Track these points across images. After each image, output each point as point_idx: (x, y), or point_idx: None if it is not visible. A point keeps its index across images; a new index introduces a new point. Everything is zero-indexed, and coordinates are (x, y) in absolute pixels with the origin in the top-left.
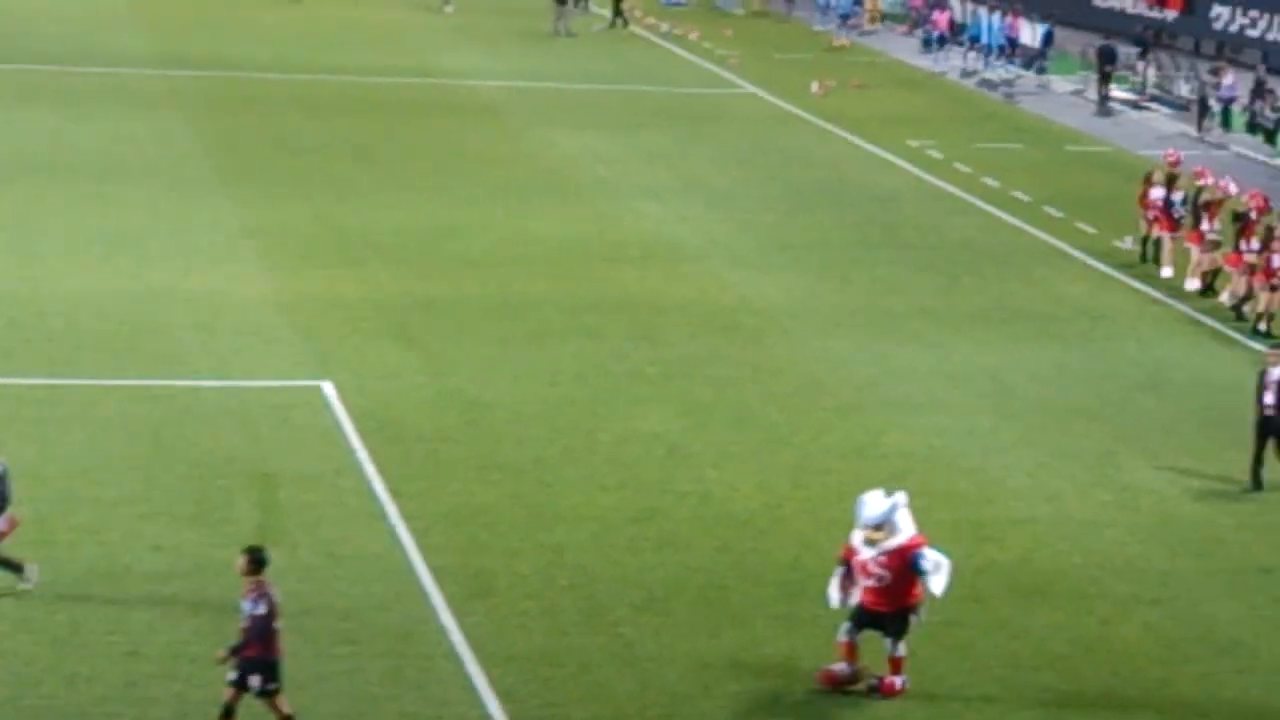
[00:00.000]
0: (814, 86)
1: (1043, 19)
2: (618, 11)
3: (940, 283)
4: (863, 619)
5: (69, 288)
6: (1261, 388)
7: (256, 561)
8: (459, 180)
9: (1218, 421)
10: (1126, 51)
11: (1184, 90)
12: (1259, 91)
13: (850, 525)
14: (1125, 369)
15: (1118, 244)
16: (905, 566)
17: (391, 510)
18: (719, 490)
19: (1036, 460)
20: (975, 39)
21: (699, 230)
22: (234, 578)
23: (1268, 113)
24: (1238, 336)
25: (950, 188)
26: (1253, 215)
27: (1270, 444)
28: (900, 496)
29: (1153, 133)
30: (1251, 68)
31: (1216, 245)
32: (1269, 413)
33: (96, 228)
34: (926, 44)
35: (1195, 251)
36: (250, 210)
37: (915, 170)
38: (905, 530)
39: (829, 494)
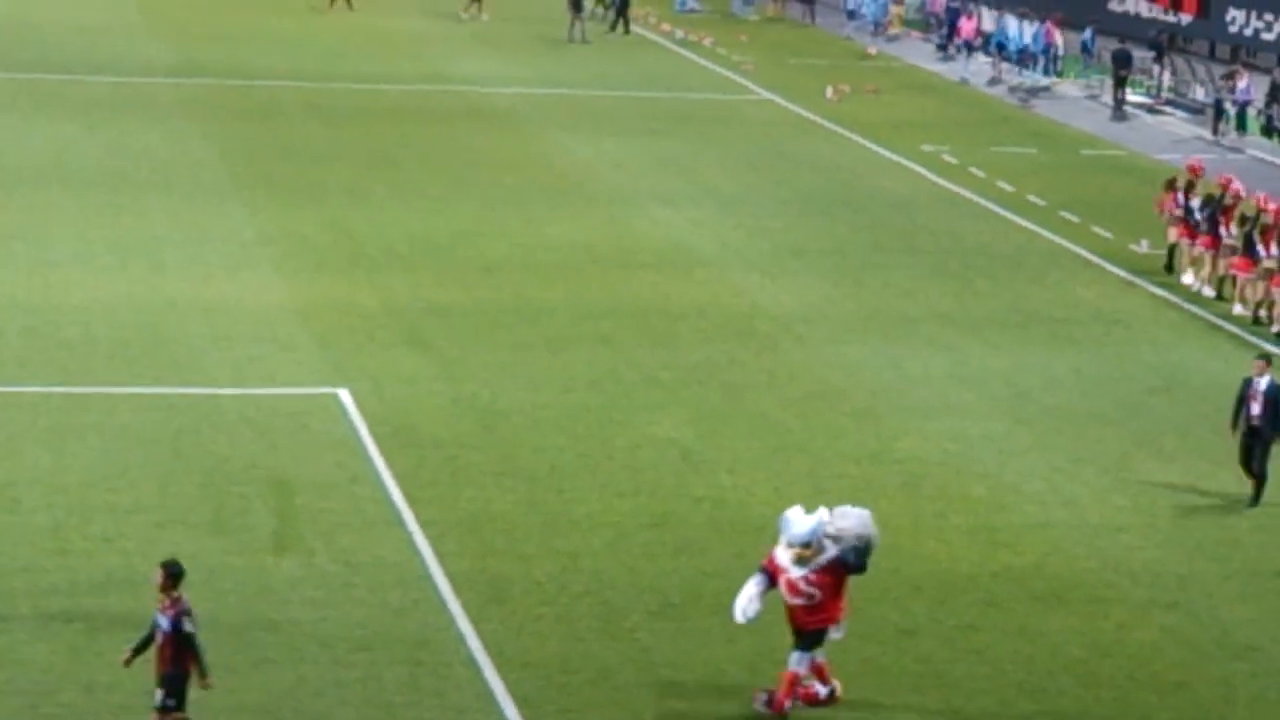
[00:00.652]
0: (828, 92)
1: (1042, 21)
2: (621, 16)
3: (955, 287)
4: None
5: (85, 297)
6: (1247, 398)
7: (173, 576)
8: (474, 187)
9: None
10: (1141, 55)
11: (1199, 94)
12: (1275, 95)
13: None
14: (1141, 373)
15: (1133, 248)
16: (838, 579)
17: (408, 517)
18: (734, 496)
19: (1052, 465)
20: (1001, 46)
21: (713, 236)
22: (248, 587)
23: None
24: (1255, 340)
25: (965, 192)
26: (1269, 220)
27: (1255, 454)
28: (824, 512)
29: (1168, 137)
30: (1267, 71)
31: (1234, 251)
32: (1255, 423)
33: (112, 237)
34: (942, 49)
35: (1209, 257)
36: (266, 218)
37: (929, 175)
38: (830, 548)
39: (844, 499)
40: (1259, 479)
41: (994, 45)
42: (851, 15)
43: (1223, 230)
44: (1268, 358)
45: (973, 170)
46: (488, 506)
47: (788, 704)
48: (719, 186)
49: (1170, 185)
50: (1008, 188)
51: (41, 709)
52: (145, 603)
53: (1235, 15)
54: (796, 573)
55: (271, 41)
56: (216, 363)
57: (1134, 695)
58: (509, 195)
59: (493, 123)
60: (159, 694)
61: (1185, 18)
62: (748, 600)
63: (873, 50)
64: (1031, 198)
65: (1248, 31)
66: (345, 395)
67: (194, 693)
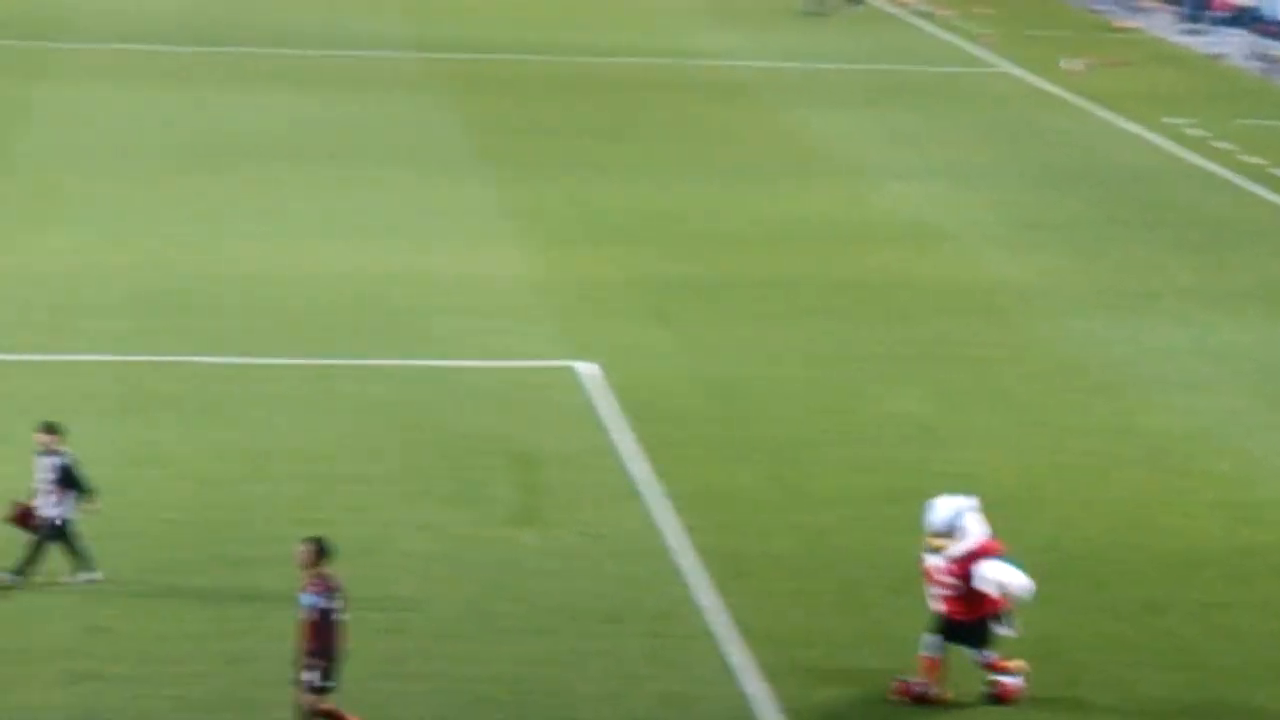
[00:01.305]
0: (1069, 64)
1: None
2: None
3: (1197, 261)
4: (944, 629)
5: (330, 270)
6: None
7: (319, 552)
8: (711, 160)
9: None
10: None
11: None
12: None
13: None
14: None
15: None
16: (969, 575)
17: (648, 490)
18: (975, 471)
19: None
20: (1259, 19)
21: (951, 210)
22: (491, 559)
23: None
24: None
25: (1209, 165)
26: None
27: None
28: (968, 500)
29: None
30: None
31: None
32: None
33: (355, 210)
34: (1193, 20)
35: None
36: (506, 191)
37: (1172, 148)
38: (974, 535)
39: (1088, 474)
40: None
41: (1251, 18)
42: None
43: None
44: None
45: (1218, 144)
46: (728, 480)
47: (1011, 682)
48: (957, 160)
49: None
50: (1255, 161)
51: (288, 675)
52: (391, 572)
53: None
54: (932, 560)
55: (510, 15)
56: (458, 335)
57: None
58: (746, 169)
59: (729, 96)
60: (308, 673)
61: None
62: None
63: (1119, 23)
64: (1278, 170)
65: None
66: (585, 368)
67: (438, 664)
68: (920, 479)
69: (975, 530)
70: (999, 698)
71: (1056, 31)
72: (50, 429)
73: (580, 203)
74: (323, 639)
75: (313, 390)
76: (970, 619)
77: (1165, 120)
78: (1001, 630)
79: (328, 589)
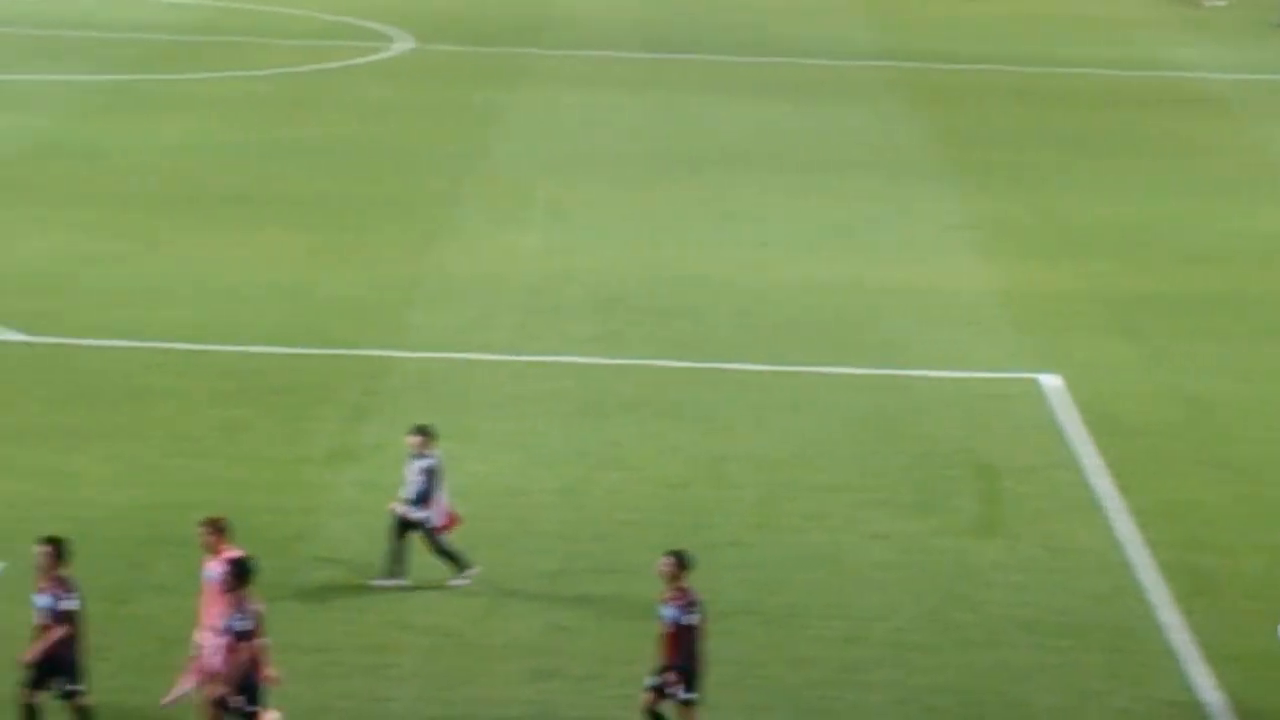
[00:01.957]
0: None
1: None
2: None
3: None
4: None
5: (794, 277)
6: None
7: (680, 565)
8: (1181, 173)
9: None
10: None
11: None
12: None
13: None
14: None
15: None
16: None
17: (1110, 504)
18: None
19: None
20: None
21: None
22: (950, 568)
23: None
24: None
25: None
26: None
27: None
28: None
29: None
30: None
31: None
32: None
33: (820, 218)
34: None
35: None
36: (969, 201)
37: None
38: None
39: None
40: None
41: None
42: None
43: None
44: None
45: None
46: (1193, 496)
47: None
48: None
49: None
50: None
51: (747, 680)
52: (850, 581)
53: None
54: None
55: (974, 26)
56: (918, 345)
57: None
58: (1218, 182)
59: (1203, 108)
60: (662, 678)
61: None
62: None
63: None
64: None
65: None
66: (1048, 380)
67: (894, 673)
68: None
69: None
70: None
71: None
72: (422, 432)
73: (1043, 214)
74: (684, 651)
75: (773, 396)
76: None
77: None
78: None
79: (688, 602)
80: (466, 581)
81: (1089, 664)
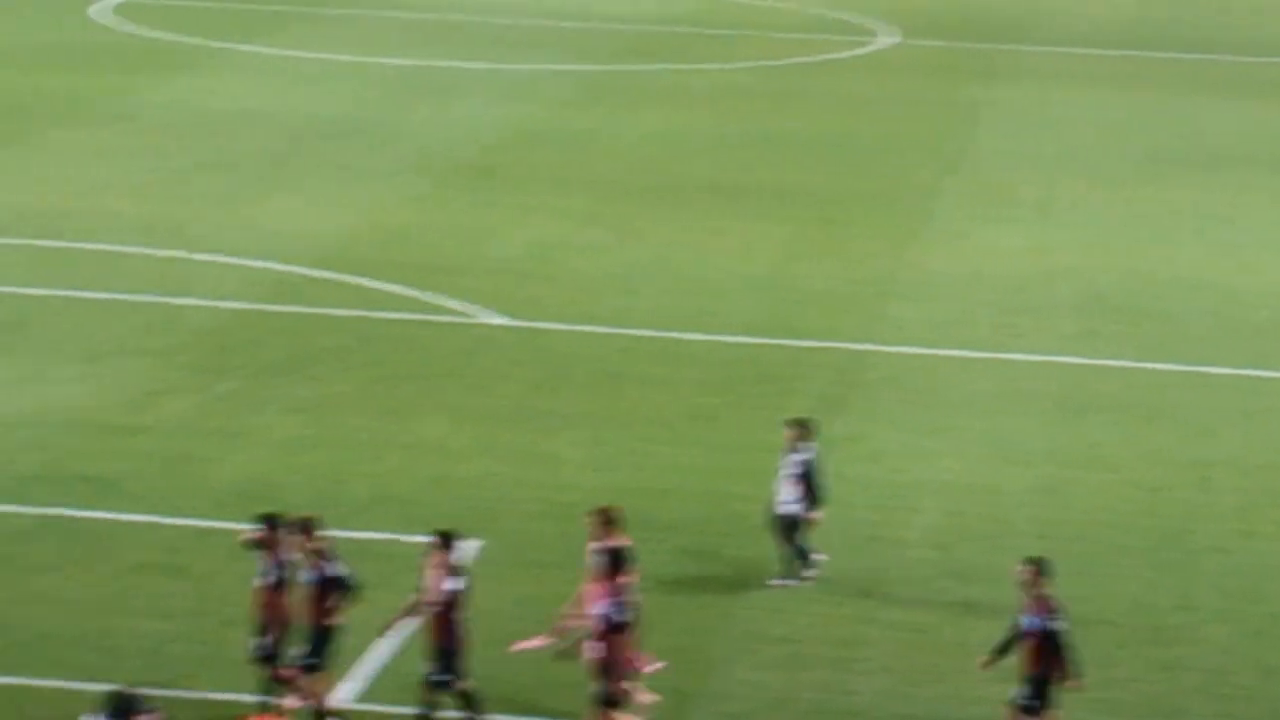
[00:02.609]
0: None
1: None
2: None
3: None
4: None
5: (1274, 280)
6: None
7: (1039, 573)
8: None
9: None
10: None
11: None
12: None
13: None
14: None
15: None
16: None
17: None
18: None
19: None
20: None
21: None
22: None
23: None
24: None
25: None
26: None
27: None
28: None
29: None
30: None
31: None
32: None
33: None
34: None
35: None
36: None
37: None
38: None
39: None
40: None
41: None
42: None
43: None
44: None
45: None
46: None
47: None
48: None
49: None
50: None
51: (1215, 689)
52: None
53: None
54: None
55: None
56: None
57: None
58: None
59: None
60: (1022, 691)
61: None
62: None
63: None
64: None
65: None
66: None
67: None
68: None
69: None
70: None
71: None
72: (798, 424)
73: None
74: (1047, 662)
75: (1256, 400)
76: None
77: None
78: None
79: (1049, 610)
80: (794, 582)
81: None
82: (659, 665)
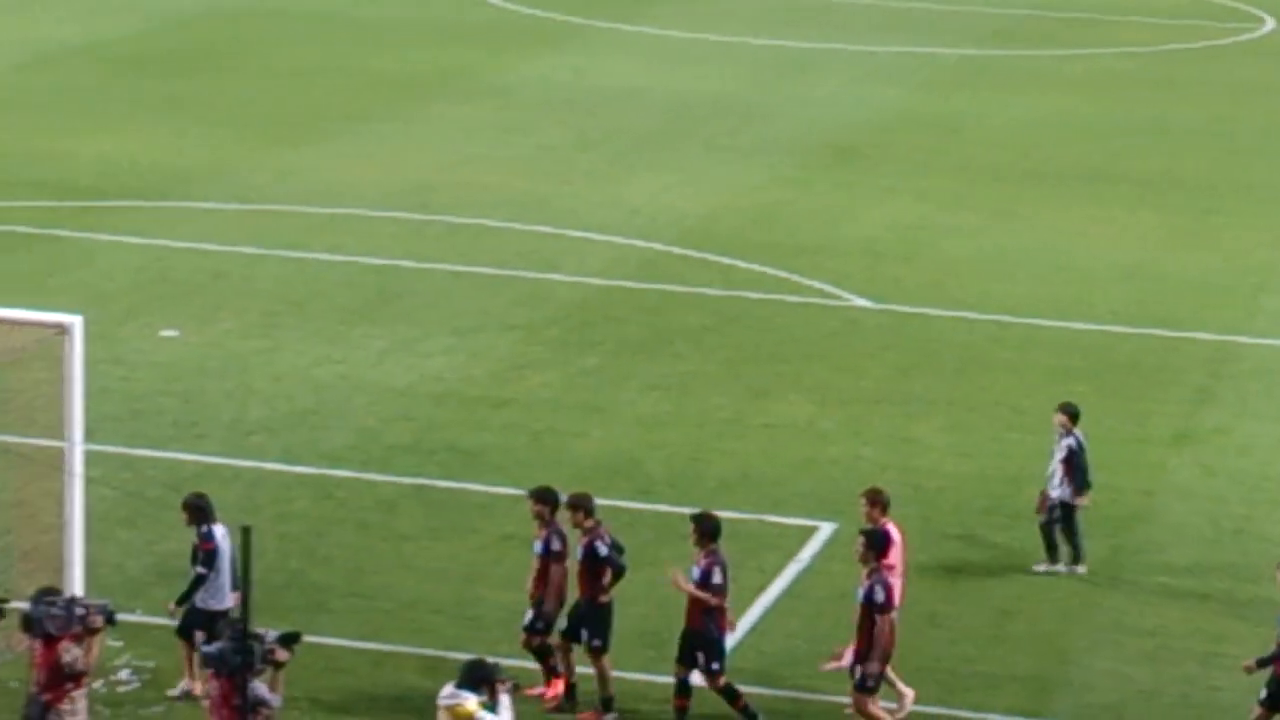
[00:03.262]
0: None
1: None
2: None
3: None
4: None
5: None
6: None
7: None
8: None
9: None
10: None
11: None
12: None
13: None
14: None
15: None
16: None
17: None
18: None
19: None
20: None
21: None
22: None
23: None
24: None
25: None
26: None
27: None
28: None
29: None
30: None
31: None
32: None
33: None
34: None
35: None
36: None
37: None
38: None
39: None
40: None
41: None
42: None
43: None
44: None
45: None
46: None
47: None
48: None
49: None
50: None
51: None
52: None
53: None
54: None
55: None
56: None
57: None
58: None
59: None
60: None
61: None
62: None
63: None
64: None
65: None
66: None
67: None
68: None
69: None
70: None
71: None
72: (1067, 410)
73: None
74: None
75: None
76: None
77: None
78: None
79: None
80: (1063, 569)
81: None
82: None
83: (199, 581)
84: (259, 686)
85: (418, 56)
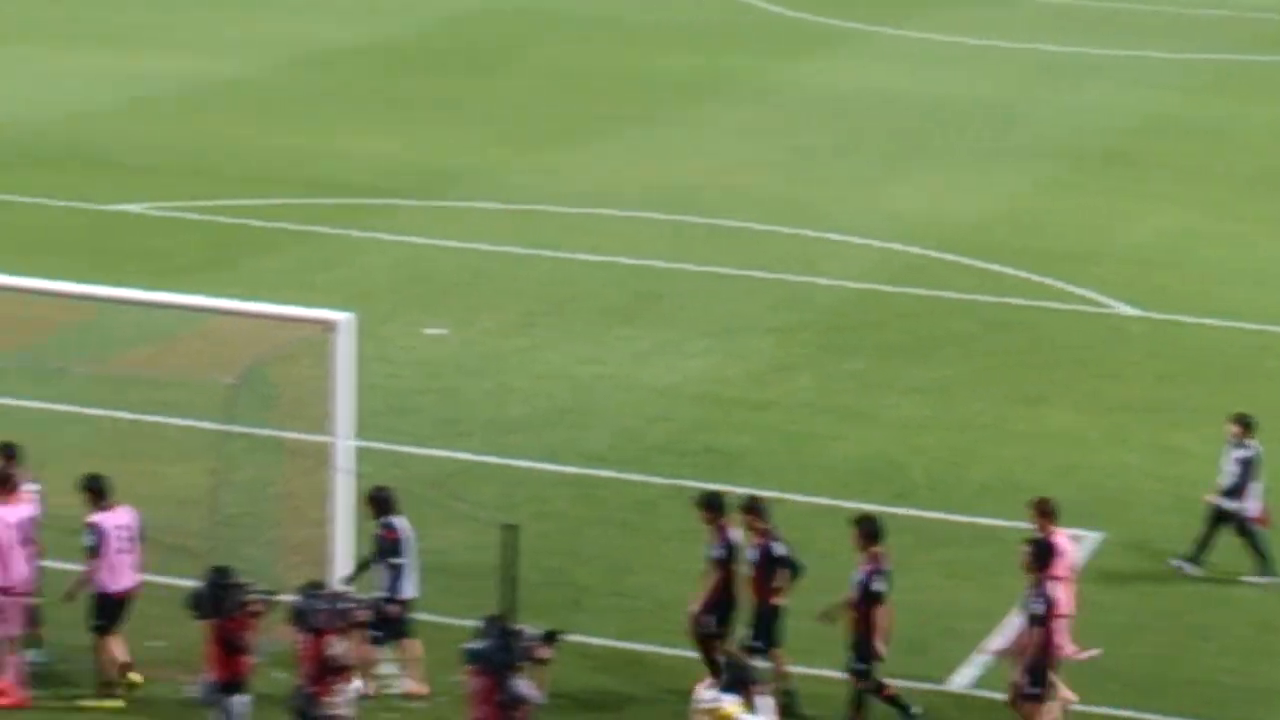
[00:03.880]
0: None
1: None
2: None
3: None
4: None
5: None
6: None
7: None
8: None
9: None
10: None
11: None
12: None
13: None
14: None
15: None
16: None
17: None
18: None
19: None
20: None
21: None
22: None
23: None
24: None
25: None
26: None
27: None
28: None
29: None
30: None
31: None
32: None
33: None
34: None
35: None
36: None
37: None
38: None
39: None
40: None
41: None
42: None
43: None
44: None
45: None
46: None
47: None
48: None
49: None
50: None
51: None
52: None
53: None
54: None
55: None
56: None
57: None
58: None
59: None
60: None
61: None
62: None
63: None
64: None
65: None
66: None
67: None
68: None
69: None
70: None
71: None
72: (1241, 421)
73: None
74: None
75: None
76: None
77: None
78: None
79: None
80: (1265, 580)
81: None
82: (1094, 653)
83: (398, 571)
84: (520, 683)
85: (683, 60)
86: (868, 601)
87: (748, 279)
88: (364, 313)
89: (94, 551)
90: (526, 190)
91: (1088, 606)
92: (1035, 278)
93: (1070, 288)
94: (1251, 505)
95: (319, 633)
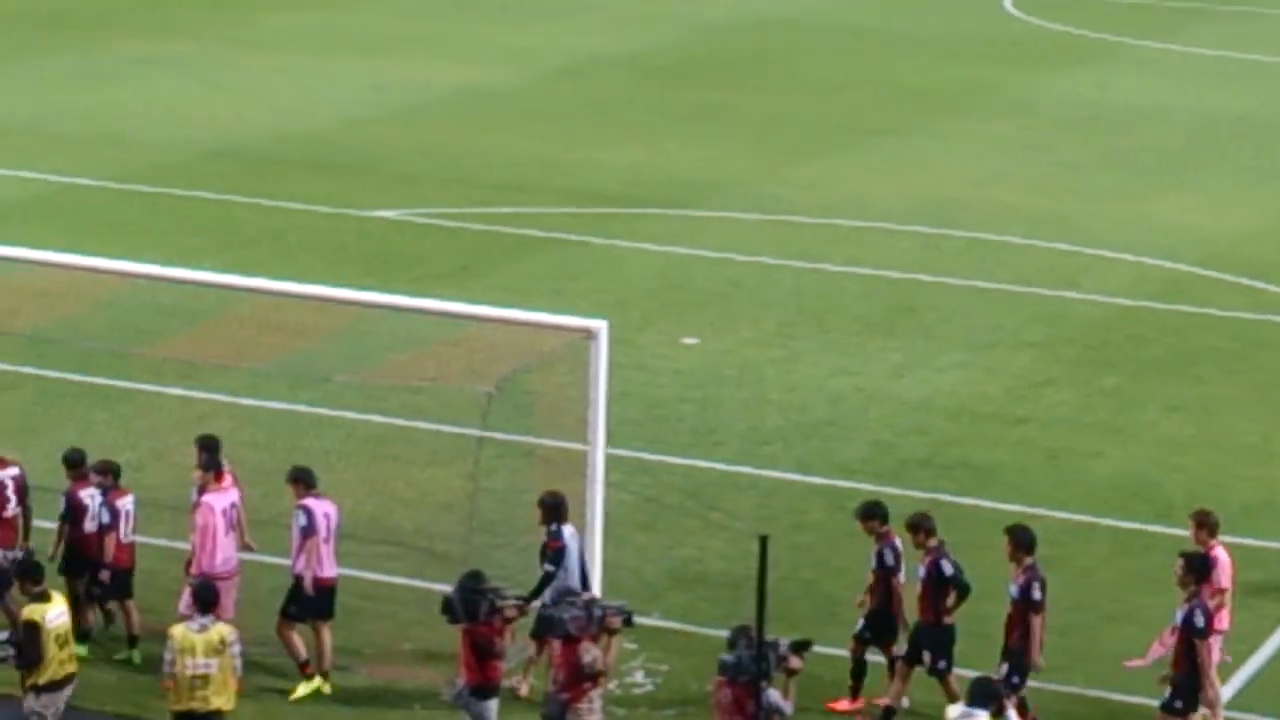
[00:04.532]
0: None
1: None
2: None
3: None
4: None
5: None
6: None
7: None
8: None
9: None
10: None
11: None
12: None
13: None
14: None
15: None
16: None
17: None
18: None
19: None
20: None
21: None
22: None
23: None
24: None
25: None
26: None
27: None
28: None
29: None
30: None
31: None
32: None
33: None
34: None
35: None
36: None
37: None
38: None
39: None
40: None
41: None
42: None
43: None
44: None
45: None
46: None
47: None
48: None
49: None
50: None
51: None
52: None
53: None
54: None
55: None
56: None
57: None
58: None
59: None
60: None
61: None
62: None
63: None
64: None
65: None
66: None
67: None
68: None
69: None
70: None
71: None
72: None
73: None
74: None
75: None
76: None
77: None
78: None
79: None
80: None
81: None
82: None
83: (547, 579)
84: (773, 693)
85: (943, 71)
86: (1027, 610)
87: (1005, 293)
88: (620, 321)
89: (307, 531)
90: (784, 201)
91: None
92: None
93: None
94: None
95: (572, 640)
